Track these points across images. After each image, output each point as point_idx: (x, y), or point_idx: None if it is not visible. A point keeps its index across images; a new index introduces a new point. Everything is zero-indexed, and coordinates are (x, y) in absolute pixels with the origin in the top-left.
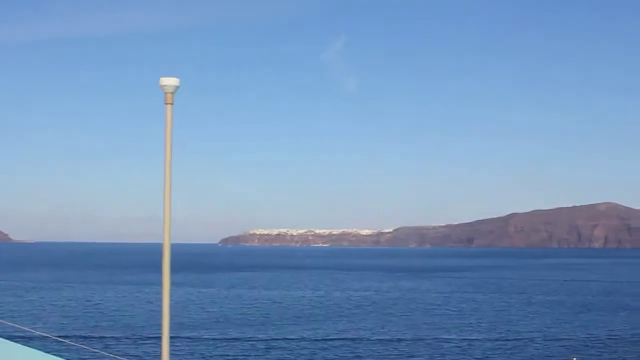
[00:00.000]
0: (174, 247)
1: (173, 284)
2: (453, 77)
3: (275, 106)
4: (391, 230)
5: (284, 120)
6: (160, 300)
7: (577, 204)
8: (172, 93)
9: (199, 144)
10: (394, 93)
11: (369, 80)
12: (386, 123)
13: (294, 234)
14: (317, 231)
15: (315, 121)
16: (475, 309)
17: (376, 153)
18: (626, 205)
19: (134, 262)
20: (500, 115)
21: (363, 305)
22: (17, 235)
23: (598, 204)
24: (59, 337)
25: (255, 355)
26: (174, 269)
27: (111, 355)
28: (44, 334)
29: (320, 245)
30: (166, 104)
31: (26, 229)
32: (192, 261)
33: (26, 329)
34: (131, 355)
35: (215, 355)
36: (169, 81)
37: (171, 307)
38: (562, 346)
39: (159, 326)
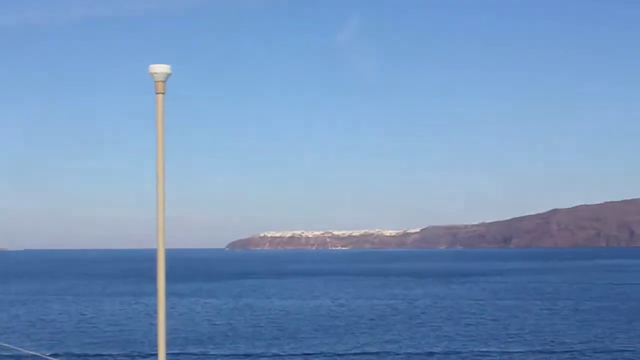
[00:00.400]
0: (177, 253)
1: (176, 294)
2: (482, 66)
3: (287, 98)
4: (418, 230)
5: (296, 113)
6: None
7: (628, 198)
8: (163, 81)
9: (202, 140)
10: (418, 83)
11: (389, 68)
12: (411, 114)
13: (310, 236)
14: (336, 232)
15: (330, 113)
16: (515, 318)
17: (400, 146)
18: None
19: (131, 270)
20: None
21: (388, 315)
22: (4, 244)
23: None
24: (50, 356)
25: None
26: (177, 277)
27: None
28: (33, 353)
29: (339, 248)
30: (157, 93)
31: (13, 235)
32: (197, 268)
33: (13, 347)
34: None
35: None
36: (159, 68)
37: (175, 320)
38: (614, 359)
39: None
